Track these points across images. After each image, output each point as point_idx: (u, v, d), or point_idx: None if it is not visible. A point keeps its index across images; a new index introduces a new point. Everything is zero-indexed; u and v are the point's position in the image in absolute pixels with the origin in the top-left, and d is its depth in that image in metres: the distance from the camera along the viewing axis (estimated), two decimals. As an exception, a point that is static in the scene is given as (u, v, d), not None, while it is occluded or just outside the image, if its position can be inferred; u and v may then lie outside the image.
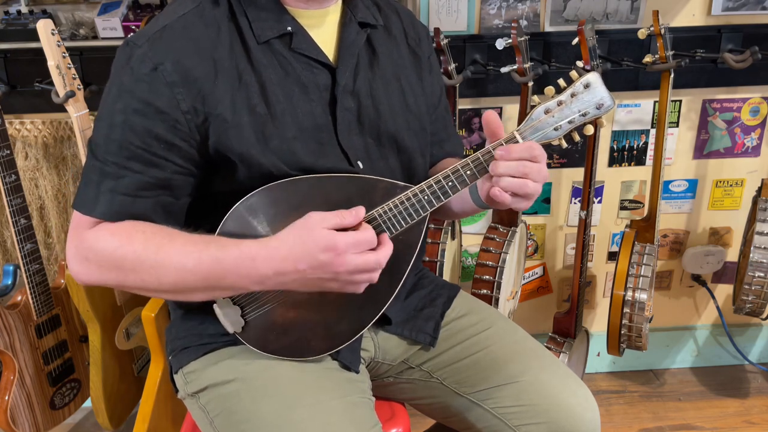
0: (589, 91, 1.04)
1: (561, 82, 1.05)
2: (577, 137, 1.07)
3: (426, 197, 1.04)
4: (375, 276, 0.98)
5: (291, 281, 0.96)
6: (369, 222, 1.03)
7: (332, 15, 1.12)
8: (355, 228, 0.97)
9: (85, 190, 1.03)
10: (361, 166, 1.11)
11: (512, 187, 1.00)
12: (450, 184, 1.03)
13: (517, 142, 1.03)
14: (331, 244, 0.93)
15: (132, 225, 1.01)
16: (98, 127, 1.03)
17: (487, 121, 1.04)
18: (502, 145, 1.02)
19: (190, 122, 1.00)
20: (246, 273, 0.96)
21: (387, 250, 0.98)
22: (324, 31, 1.11)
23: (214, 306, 1.07)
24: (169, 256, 0.98)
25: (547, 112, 1.04)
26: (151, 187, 1.02)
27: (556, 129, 1.04)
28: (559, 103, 1.04)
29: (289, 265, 0.94)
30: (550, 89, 1.05)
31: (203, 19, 1.03)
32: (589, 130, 1.06)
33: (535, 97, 1.07)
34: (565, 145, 1.06)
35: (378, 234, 0.98)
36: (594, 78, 1.03)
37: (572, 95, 1.04)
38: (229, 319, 1.06)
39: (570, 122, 1.04)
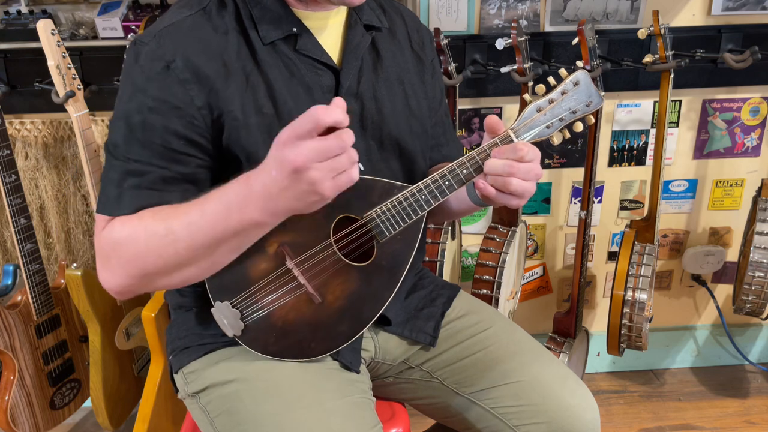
0: (578, 89, 1.05)
1: (551, 80, 1.07)
2: (567, 134, 1.08)
3: (423, 196, 1.04)
4: (353, 173, 0.89)
5: (277, 193, 0.88)
6: (368, 222, 1.04)
7: (337, 17, 1.12)
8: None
9: (106, 192, 1.01)
10: (362, 168, 1.11)
11: (496, 183, 1.02)
12: (447, 183, 1.04)
13: (511, 140, 1.04)
14: (289, 134, 0.86)
15: (139, 212, 0.99)
16: (115, 128, 1.02)
17: (489, 123, 1.05)
18: (496, 144, 1.03)
19: (205, 117, 1.00)
20: (244, 198, 0.91)
21: (349, 134, 0.88)
22: (329, 33, 1.11)
23: (213, 310, 1.06)
24: (177, 216, 0.96)
25: (539, 110, 1.05)
26: (176, 182, 1.02)
27: (548, 127, 1.06)
28: (551, 101, 1.05)
29: (266, 173, 0.88)
30: (541, 87, 1.07)
31: (211, 22, 1.03)
32: (579, 126, 1.07)
33: (527, 96, 1.08)
34: (556, 142, 1.07)
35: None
36: (583, 76, 1.05)
37: (562, 93, 1.05)
38: (229, 323, 1.06)
39: (561, 120, 1.06)
